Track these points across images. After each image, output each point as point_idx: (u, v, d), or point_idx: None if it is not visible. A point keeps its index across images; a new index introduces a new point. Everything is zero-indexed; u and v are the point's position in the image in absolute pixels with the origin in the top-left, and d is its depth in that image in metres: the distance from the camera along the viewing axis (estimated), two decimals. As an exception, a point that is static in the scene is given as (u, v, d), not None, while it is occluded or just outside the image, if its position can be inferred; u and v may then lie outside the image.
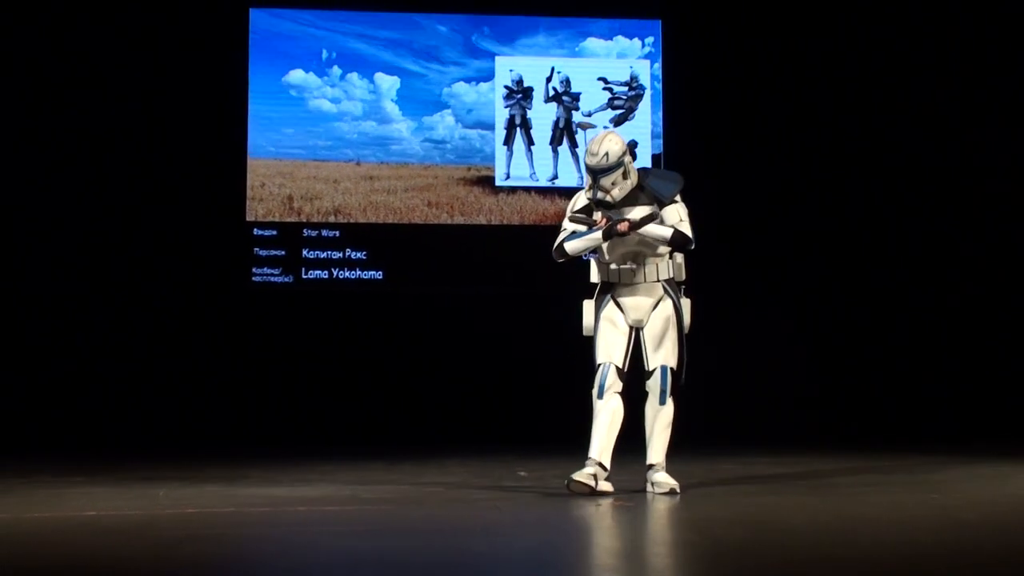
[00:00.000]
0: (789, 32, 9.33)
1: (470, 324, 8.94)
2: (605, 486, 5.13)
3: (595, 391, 5.16)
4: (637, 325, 5.25)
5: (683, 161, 9.26)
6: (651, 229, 5.17)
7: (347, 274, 8.97)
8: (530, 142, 9.17)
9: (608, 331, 5.23)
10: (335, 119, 9.09)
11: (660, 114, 9.25)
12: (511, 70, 9.23)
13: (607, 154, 5.16)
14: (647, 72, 9.29)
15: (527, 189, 9.16)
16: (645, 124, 9.23)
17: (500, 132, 9.17)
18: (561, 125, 9.19)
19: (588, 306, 5.33)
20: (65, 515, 4.67)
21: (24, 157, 8.66)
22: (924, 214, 9.29)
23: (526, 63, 9.25)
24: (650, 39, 9.32)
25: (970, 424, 8.78)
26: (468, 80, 9.21)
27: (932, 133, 9.30)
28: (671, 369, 5.20)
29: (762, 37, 9.32)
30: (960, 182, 9.28)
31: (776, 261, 9.19)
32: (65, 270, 8.64)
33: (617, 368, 5.18)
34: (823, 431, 8.61)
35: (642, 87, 9.27)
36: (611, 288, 5.28)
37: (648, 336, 5.22)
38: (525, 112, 9.18)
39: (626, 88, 9.27)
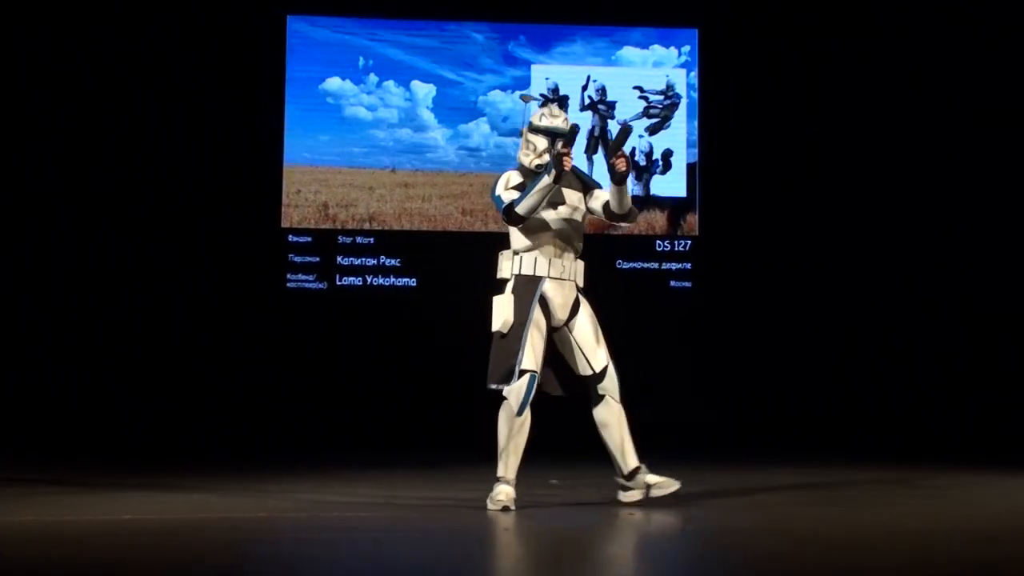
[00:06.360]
0: (826, 40, 9.26)
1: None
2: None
3: (516, 406, 4.70)
4: (556, 325, 4.87)
5: (719, 170, 9.23)
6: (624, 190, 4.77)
7: (381, 281, 8.99)
8: (565, 150, 9.13)
9: (535, 336, 4.76)
10: (371, 126, 9.11)
11: (696, 123, 9.22)
12: (547, 78, 9.23)
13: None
14: (683, 81, 9.26)
15: (562, 197, 9.12)
16: (681, 133, 9.20)
17: (535, 140, 9.14)
18: (596, 134, 9.17)
19: (504, 302, 4.80)
20: (109, 519, 4.70)
21: (62, 160, 8.75)
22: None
23: (562, 71, 9.24)
24: (686, 48, 9.29)
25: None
26: (504, 88, 9.21)
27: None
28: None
29: (799, 46, 9.26)
30: None
31: (812, 268, 9.11)
32: (101, 276, 8.71)
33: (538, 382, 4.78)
34: (847, 441, 8.53)
35: (678, 96, 9.24)
36: (538, 282, 4.81)
37: (580, 338, 4.84)
38: (560, 120, 9.15)
39: (662, 97, 9.24)
